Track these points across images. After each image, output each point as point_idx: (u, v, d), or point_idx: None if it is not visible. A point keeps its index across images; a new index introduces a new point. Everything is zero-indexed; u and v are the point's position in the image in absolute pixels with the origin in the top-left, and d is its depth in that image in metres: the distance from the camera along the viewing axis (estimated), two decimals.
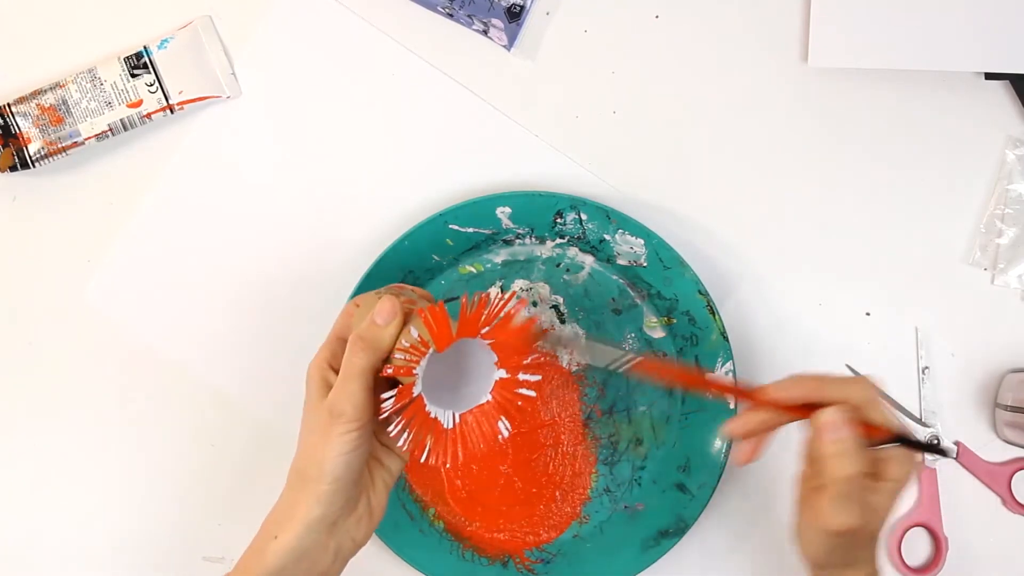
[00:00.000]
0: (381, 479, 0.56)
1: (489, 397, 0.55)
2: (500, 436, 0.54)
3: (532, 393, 0.55)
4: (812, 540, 0.55)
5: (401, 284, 0.60)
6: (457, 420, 0.54)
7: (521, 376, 0.54)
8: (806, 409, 0.54)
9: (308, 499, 0.53)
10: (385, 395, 0.52)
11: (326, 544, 0.54)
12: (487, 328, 0.52)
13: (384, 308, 0.52)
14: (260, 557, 0.53)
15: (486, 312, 0.52)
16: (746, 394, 0.55)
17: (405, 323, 0.53)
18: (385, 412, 0.52)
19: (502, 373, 0.54)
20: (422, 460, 0.53)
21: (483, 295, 0.52)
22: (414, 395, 0.52)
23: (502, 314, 0.53)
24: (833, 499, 0.52)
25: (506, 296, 0.53)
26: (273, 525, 0.54)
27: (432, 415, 0.53)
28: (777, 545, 0.71)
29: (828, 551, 0.54)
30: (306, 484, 0.53)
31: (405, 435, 0.52)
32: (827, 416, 0.53)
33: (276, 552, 0.53)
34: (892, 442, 0.54)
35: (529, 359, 0.54)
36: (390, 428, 0.52)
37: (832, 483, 0.52)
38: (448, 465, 0.53)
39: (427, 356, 0.52)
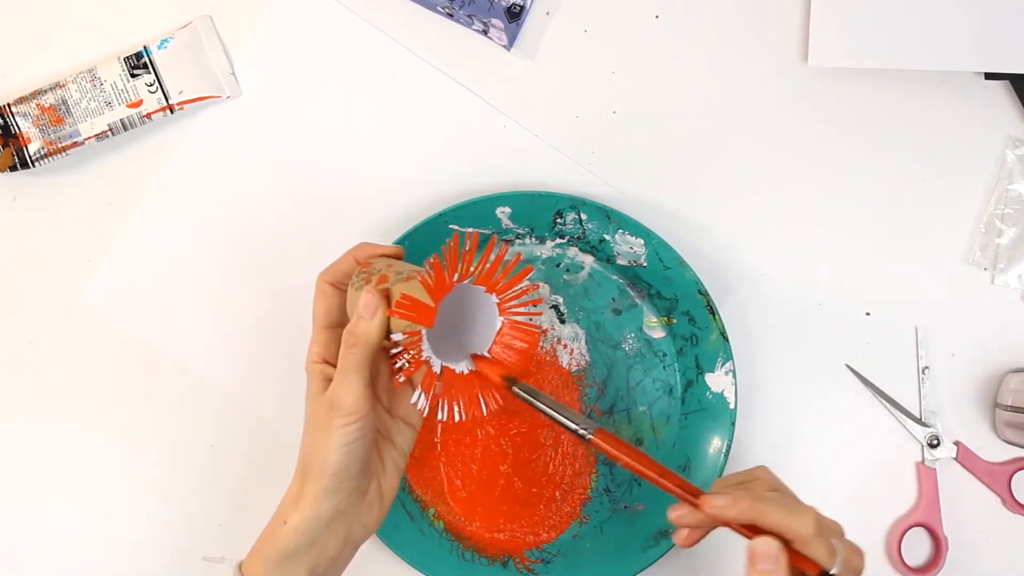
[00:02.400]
0: (391, 460, 0.57)
1: (500, 319, 0.55)
2: (535, 350, 0.55)
3: (536, 298, 0.55)
4: None
5: (367, 260, 0.58)
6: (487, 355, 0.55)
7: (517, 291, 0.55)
8: (748, 528, 0.53)
9: (314, 490, 0.54)
10: (416, 403, 0.52)
11: (336, 530, 0.55)
12: (456, 276, 0.52)
13: (367, 304, 0.53)
14: (271, 541, 0.54)
15: (446, 266, 0.51)
16: (690, 499, 0.54)
17: (389, 303, 0.53)
18: (422, 407, 0.52)
19: (494, 298, 0.55)
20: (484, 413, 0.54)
21: (434, 261, 0.51)
22: (437, 372, 0.53)
23: (463, 258, 0.53)
24: None
25: (453, 242, 0.52)
26: (283, 510, 0.55)
27: (462, 371, 0.54)
28: None
29: None
30: (310, 475, 0.54)
31: (449, 409, 0.53)
32: (761, 547, 0.52)
33: (286, 536, 0.54)
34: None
35: (514, 283, 0.54)
36: (440, 416, 0.53)
37: None
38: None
39: (423, 338, 0.52)
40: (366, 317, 0.53)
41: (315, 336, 0.57)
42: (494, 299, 0.54)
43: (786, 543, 0.52)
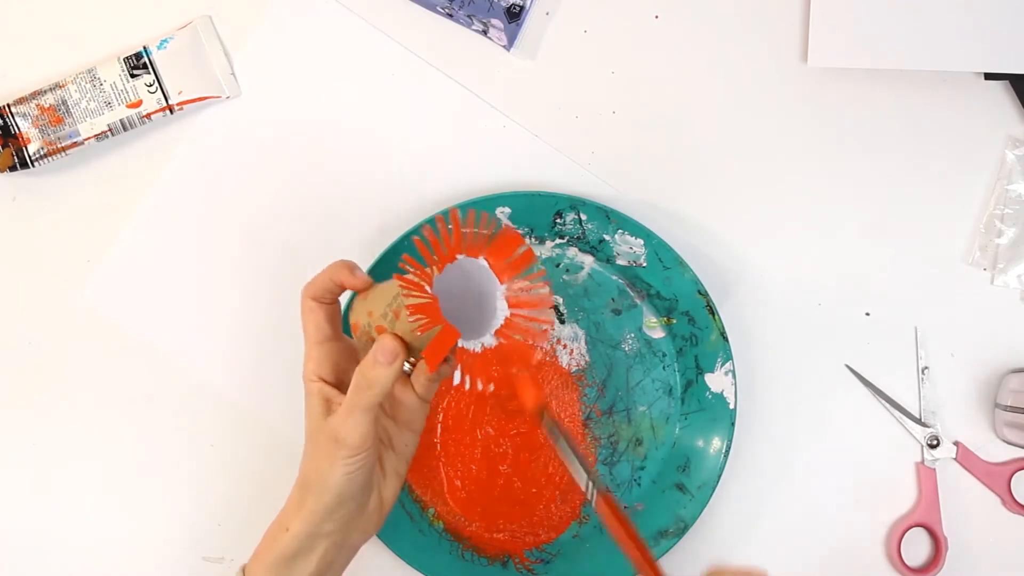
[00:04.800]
0: (392, 467, 0.57)
1: (500, 290, 0.54)
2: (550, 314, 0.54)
3: (523, 248, 0.54)
4: None
5: (363, 286, 0.57)
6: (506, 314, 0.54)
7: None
8: None
9: (314, 506, 0.54)
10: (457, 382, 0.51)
11: (335, 538, 0.56)
12: (429, 287, 0.51)
13: (386, 349, 0.52)
14: (273, 546, 0.55)
15: (412, 286, 0.51)
16: (626, 537, 0.54)
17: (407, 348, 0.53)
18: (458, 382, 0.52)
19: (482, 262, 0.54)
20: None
21: (409, 305, 0.50)
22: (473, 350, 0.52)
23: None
24: None
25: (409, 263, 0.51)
26: (285, 517, 0.56)
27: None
28: (776, 546, 0.71)
29: None
30: (311, 492, 0.55)
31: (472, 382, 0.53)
32: None
33: (287, 542, 0.55)
34: None
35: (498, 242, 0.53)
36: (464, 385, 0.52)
37: None
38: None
39: (462, 344, 0.52)
40: (384, 363, 0.52)
41: (308, 352, 0.56)
42: (483, 263, 0.53)
43: None
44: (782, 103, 0.71)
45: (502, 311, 0.54)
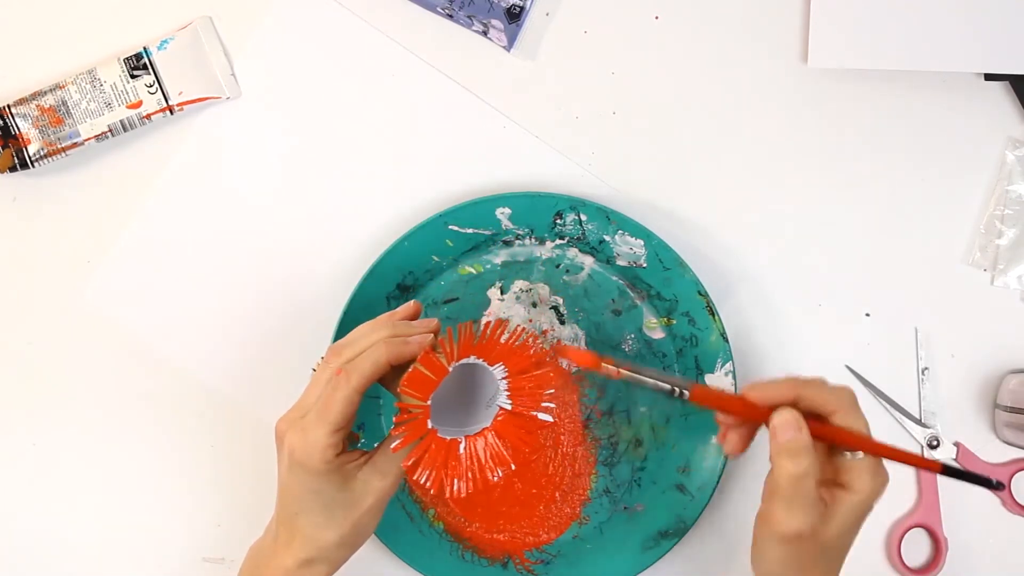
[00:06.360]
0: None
1: (500, 401, 0.55)
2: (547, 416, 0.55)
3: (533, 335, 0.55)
4: (765, 552, 0.53)
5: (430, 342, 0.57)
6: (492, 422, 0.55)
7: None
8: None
9: (348, 555, 0.57)
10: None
11: None
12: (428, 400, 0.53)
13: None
14: None
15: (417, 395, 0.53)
16: (731, 403, 0.55)
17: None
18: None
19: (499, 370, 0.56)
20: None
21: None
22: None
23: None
24: (781, 500, 0.51)
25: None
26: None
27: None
28: None
29: (781, 562, 0.53)
30: (347, 548, 0.57)
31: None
32: (781, 416, 0.53)
33: None
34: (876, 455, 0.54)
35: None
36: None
37: (781, 483, 0.52)
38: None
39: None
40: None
41: (324, 439, 0.54)
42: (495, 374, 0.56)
43: (826, 417, 0.53)
44: (782, 103, 0.71)
45: (501, 402, 0.55)
